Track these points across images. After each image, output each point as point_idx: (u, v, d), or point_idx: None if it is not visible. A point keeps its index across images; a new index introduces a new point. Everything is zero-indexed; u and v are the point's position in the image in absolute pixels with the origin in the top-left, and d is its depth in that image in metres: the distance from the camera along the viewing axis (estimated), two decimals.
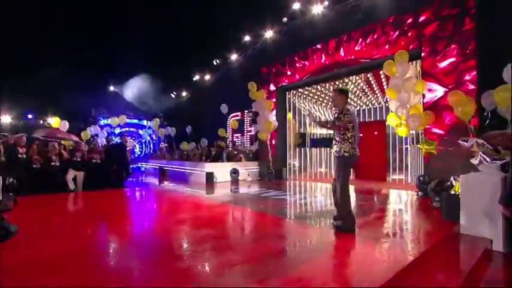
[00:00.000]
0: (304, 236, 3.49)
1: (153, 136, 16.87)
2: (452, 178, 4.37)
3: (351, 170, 3.49)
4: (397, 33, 7.05)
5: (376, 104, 10.25)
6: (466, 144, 4.80)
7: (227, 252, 2.81)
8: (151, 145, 17.12)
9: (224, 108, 12.32)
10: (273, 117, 10.13)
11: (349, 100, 10.23)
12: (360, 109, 10.81)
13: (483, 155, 3.53)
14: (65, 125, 10.22)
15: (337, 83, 9.26)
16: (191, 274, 2.31)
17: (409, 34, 6.83)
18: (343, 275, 2.35)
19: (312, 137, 11.36)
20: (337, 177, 3.51)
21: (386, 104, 9.74)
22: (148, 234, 3.65)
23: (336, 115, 3.54)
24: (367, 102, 10.37)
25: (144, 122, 17.28)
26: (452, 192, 4.17)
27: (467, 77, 5.75)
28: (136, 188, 8.60)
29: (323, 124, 4.00)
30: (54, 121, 10.29)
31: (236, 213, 4.95)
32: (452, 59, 6.00)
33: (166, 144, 14.74)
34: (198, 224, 4.04)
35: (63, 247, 3.03)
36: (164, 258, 2.70)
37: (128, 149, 8.92)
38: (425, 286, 2.33)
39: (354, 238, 3.30)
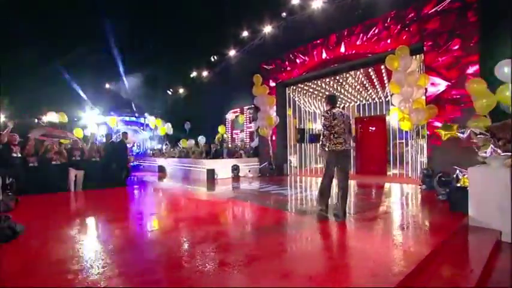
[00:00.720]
0: (317, 231, 3.48)
1: (151, 134, 16.72)
2: (458, 171, 4.40)
3: (334, 160, 4.05)
4: (398, 27, 7.05)
5: (376, 98, 10.28)
6: (463, 135, 4.87)
7: (243, 248, 2.79)
8: (149, 143, 16.97)
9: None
10: (273, 112, 10.09)
11: (345, 97, 10.41)
12: (359, 104, 10.84)
13: (494, 147, 3.55)
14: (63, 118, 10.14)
15: (337, 77, 9.25)
16: (211, 270, 2.29)
17: (411, 28, 6.83)
18: (362, 270, 2.33)
19: (310, 133, 11.36)
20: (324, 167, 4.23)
21: (387, 99, 9.78)
22: (158, 233, 3.60)
23: (324, 121, 4.04)
24: (367, 97, 10.39)
25: (142, 120, 17.11)
26: (459, 185, 4.20)
27: (469, 71, 5.77)
28: (137, 186, 8.52)
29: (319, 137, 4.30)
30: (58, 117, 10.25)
31: (244, 210, 4.93)
32: (454, 53, 6.01)
33: (166, 143, 14.62)
34: (207, 220, 4.00)
35: (69, 247, 2.98)
36: (180, 256, 2.67)
37: (129, 146, 8.82)
38: (443, 280, 2.34)
39: (367, 232, 3.31)
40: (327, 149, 3.93)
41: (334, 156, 3.95)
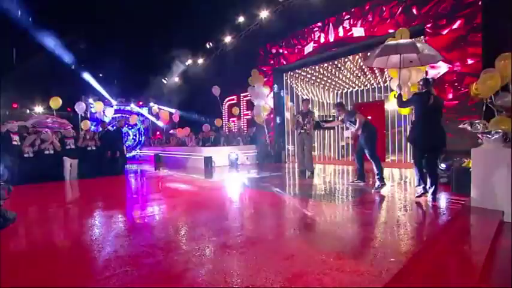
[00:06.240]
0: (321, 213, 3.43)
1: (146, 123, 16.48)
2: None
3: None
4: (400, 9, 6.87)
5: (374, 84, 10.16)
6: (469, 127, 4.78)
7: (246, 230, 2.73)
8: (143, 132, 16.73)
9: (216, 90, 12.18)
10: (269, 100, 10.02)
11: (343, 83, 10.30)
12: (358, 90, 10.73)
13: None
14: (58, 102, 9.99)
15: (336, 62, 9.09)
16: (213, 252, 2.22)
17: (413, 9, 6.66)
18: (369, 249, 2.27)
19: None
20: (308, 146, 6.55)
21: (385, 84, 9.66)
22: (156, 218, 3.51)
23: (307, 117, 6.44)
24: (366, 83, 10.26)
25: (134, 108, 16.78)
26: (463, 166, 4.16)
27: (472, 52, 5.66)
28: (132, 175, 8.41)
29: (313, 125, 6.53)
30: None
31: (243, 194, 4.85)
32: (457, 34, 5.88)
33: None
34: (206, 205, 3.93)
35: (62, 233, 2.89)
36: (180, 239, 2.60)
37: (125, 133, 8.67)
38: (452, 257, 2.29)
39: (371, 212, 3.26)
40: (309, 132, 6.50)
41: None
